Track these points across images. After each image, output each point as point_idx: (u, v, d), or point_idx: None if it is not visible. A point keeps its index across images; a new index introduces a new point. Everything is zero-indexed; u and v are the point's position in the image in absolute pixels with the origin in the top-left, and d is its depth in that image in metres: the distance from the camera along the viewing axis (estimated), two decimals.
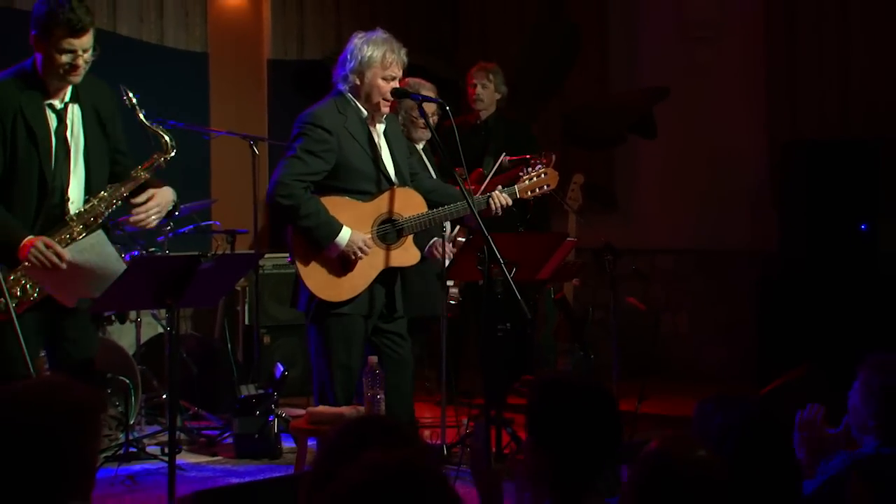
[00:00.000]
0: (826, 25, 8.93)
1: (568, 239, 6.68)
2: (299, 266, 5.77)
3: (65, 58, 4.80)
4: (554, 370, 7.89)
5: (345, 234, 5.68)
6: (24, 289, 4.80)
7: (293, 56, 9.94)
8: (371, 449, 2.53)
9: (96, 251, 4.89)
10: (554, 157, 7.01)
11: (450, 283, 6.69)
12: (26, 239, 4.74)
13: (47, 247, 4.74)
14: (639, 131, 9.53)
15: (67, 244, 4.84)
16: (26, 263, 4.72)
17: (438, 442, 6.62)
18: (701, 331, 9.69)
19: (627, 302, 7.42)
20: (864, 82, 8.79)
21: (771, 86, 9.26)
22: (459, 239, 6.47)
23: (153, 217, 5.01)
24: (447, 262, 6.29)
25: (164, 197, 5.06)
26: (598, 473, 3.03)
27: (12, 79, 4.91)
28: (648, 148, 9.69)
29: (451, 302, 6.96)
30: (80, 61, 4.82)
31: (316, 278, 5.75)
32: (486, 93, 7.85)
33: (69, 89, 4.94)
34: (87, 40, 4.82)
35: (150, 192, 5.00)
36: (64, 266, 4.75)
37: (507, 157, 7.21)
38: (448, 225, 6.38)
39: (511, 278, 5.31)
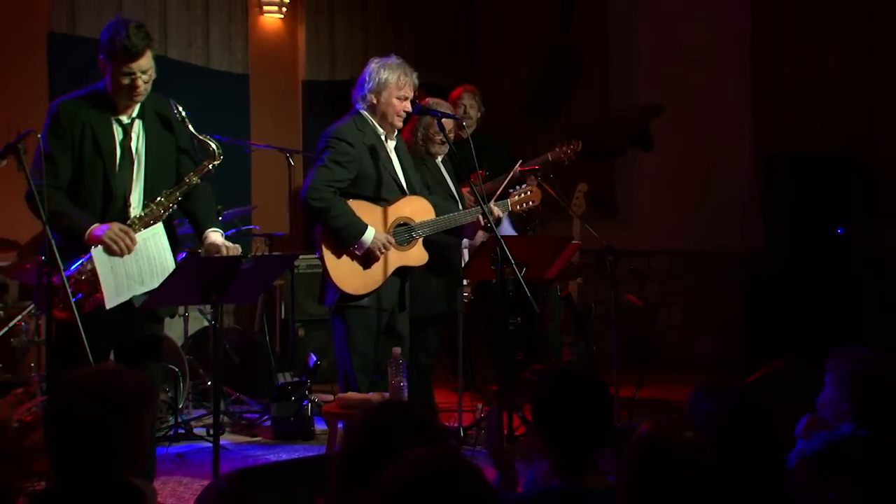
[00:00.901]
0: (806, 50, 8.93)
1: (573, 242, 6.70)
2: (327, 261, 5.84)
3: (125, 80, 4.84)
4: (560, 361, 7.89)
5: (370, 233, 5.78)
6: (91, 285, 4.83)
7: (325, 77, 9.95)
8: (392, 436, 2.55)
9: (155, 241, 4.93)
10: (580, 143, 7.40)
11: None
12: (95, 225, 4.79)
13: (122, 231, 4.79)
14: (637, 144, 9.53)
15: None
16: (99, 246, 4.76)
17: (456, 425, 6.63)
18: (693, 325, 9.68)
19: (626, 299, 7.42)
20: (839, 101, 8.78)
21: (756, 103, 9.25)
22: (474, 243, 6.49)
23: (232, 247, 5.09)
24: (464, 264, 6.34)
25: (222, 239, 5.13)
26: (595, 454, 3.04)
27: (84, 97, 4.96)
28: (646, 159, 9.69)
29: (465, 299, 6.97)
30: (140, 82, 4.85)
31: (340, 272, 5.82)
32: (473, 111, 7.84)
33: (137, 107, 4.97)
34: (144, 63, 4.85)
35: (218, 245, 5.08)
36: (133, 250, 4.80)
37: (520, 168, 7.21)
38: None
39: (521, 277, 5.33)
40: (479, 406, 6.91)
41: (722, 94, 9.45)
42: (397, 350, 5.53)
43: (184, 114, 5.09)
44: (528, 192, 6.32)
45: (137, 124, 5.00)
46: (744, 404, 3.04)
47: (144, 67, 4.86)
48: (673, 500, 2.60)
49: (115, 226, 4.80)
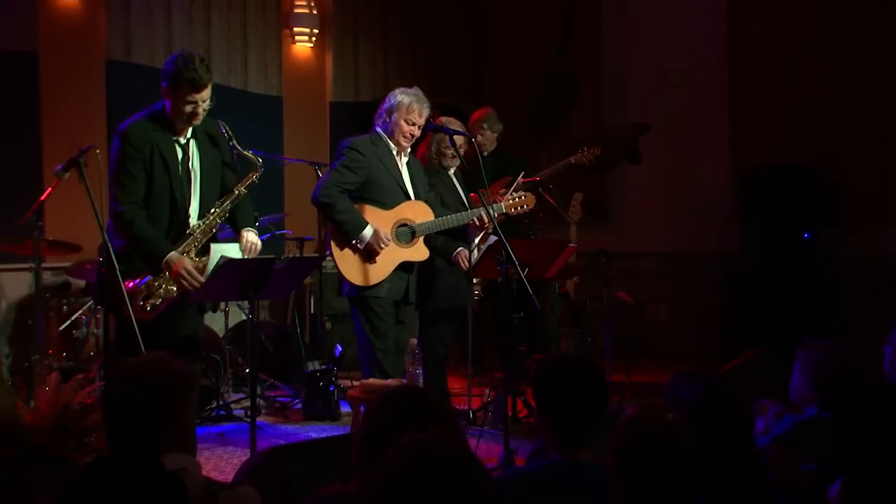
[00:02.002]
0: (777, 75, 8.92)
1: (570, 245, 6.71)
2: (335, 256, 5.90)
3: (188, 108, 4.86)
4: (558, 351, 7.90)
5: (369, 229, 5.84)
6: (165, 290, 4.91)
7: (350, 98, 9.97)
8: (406, 418, 2.55)
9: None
10: (600, 149, 7.55)
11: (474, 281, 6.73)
12: (174, 262, 4.84)
13: (190, 274, 4.84)
14: (627, 158, 9.54)
15: (194, 249, 4.99)
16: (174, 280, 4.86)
17: (466, 408, 6.64)
18: (677, 319, 9.67)
19: (618, 296, 7.41)
20: (806, 121, 8.78)
21: (733, 122, 9.25)
22: (481, 246, 6.51)
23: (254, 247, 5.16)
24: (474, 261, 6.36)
25: (252, 237, 5.18)
26: (591, 433, 3.05)
27: (148, 118, 4.97)
28: (635, 172, 9.69)
29: (476, 296, 6.99)
30: (200, 110, 4.89)
31: (348, 267, 5.89)
32: (483, 139, 7.69)
33: (190, 129, 5.01)
34: (206, 93, 4.89)
35: (246, 240, 5.15)
36: (199, 285, 4.86)
37: (523, 179, 7.22)
38: (476, 239, 6.45)
39: (524, 277, 5.34)
40: (487, 391, 6.92)
41: (702, 114, 9.44)
42: (413, 341, 5.55)
43: (230, 131, 5.15)
44: (523, 198, 6.34)
45: (192, 144, 5.04)
46: (718, 389, 3.05)
47: (206, 97, 4.90)
48: (656, 475, 2.60)
49: (183, 270, 4.84)
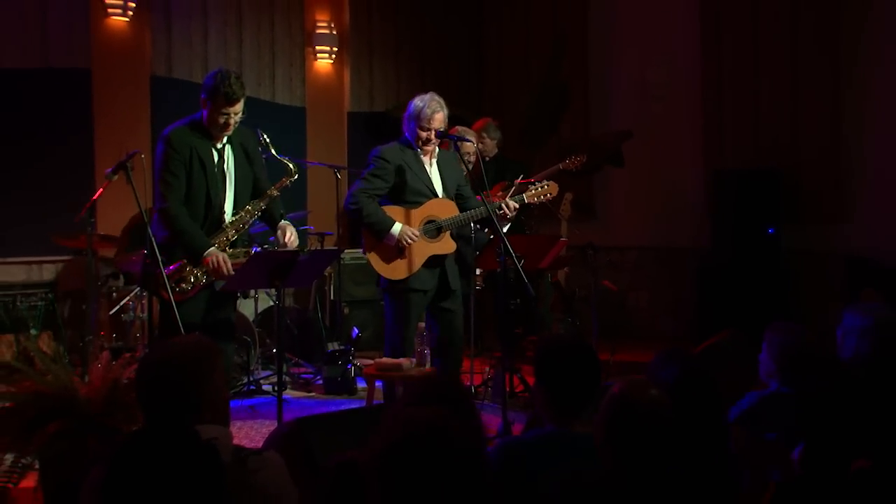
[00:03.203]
0: (745, 88, 8.93)
1: (561, 239, 6.70)
2: (368, 255, 5.81)
3: (222, 119, 4.89)
4: (552, 333, 7.90)
5: (397, 227, 5.70)
6: (196, 276, 4.96)
7: (365, 109, 9.97)
8: (431, 401, 2.55)
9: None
10: (586, 156, 7.32)
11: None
12: (209, 250, 4.90)
13: (224, 264, 4.92)
14: (611, 162, 9.52)
15: (228, 244, 5.04)
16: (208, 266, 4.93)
17: (468, 384, 6.65)
18: (656, 305, 9.67)
19: (603, 284, 7.42)
20: (770, 129, 8.78)
21: (706, 130, 9.24)
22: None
23: (296, 239, 5.20)
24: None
25: (292, 230, 5.22)
26: (584, 406, 3.06)
27: (188, 125, 5.01)
28: (618, 174, 9.68)
29: (477, 287, 6.99)
30: (232, 121, 4.92)
31: (380, 262, 5.78)
32: (482, 146, 7.62)
33: (225, 136, 5.04)
34: (238, 107, 4.93)
35: (285, 231, 5.19)
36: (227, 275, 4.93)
37: (519, 181, 7.22)
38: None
39: (520, 267, 5.34)
40: (487, 369, 6.94)
41: (679, 123, 9.44)
42: (421, 325, 5.54)
43: (268, 140, 5.16)
44: (545, 186, 6.11)
45: (227, 149, 5.06)
46: (694, 366, 3.06)
47: (238, 110, 4.93)
48: (639, 444, 2.60)
49: (220, 257, 4.91)
